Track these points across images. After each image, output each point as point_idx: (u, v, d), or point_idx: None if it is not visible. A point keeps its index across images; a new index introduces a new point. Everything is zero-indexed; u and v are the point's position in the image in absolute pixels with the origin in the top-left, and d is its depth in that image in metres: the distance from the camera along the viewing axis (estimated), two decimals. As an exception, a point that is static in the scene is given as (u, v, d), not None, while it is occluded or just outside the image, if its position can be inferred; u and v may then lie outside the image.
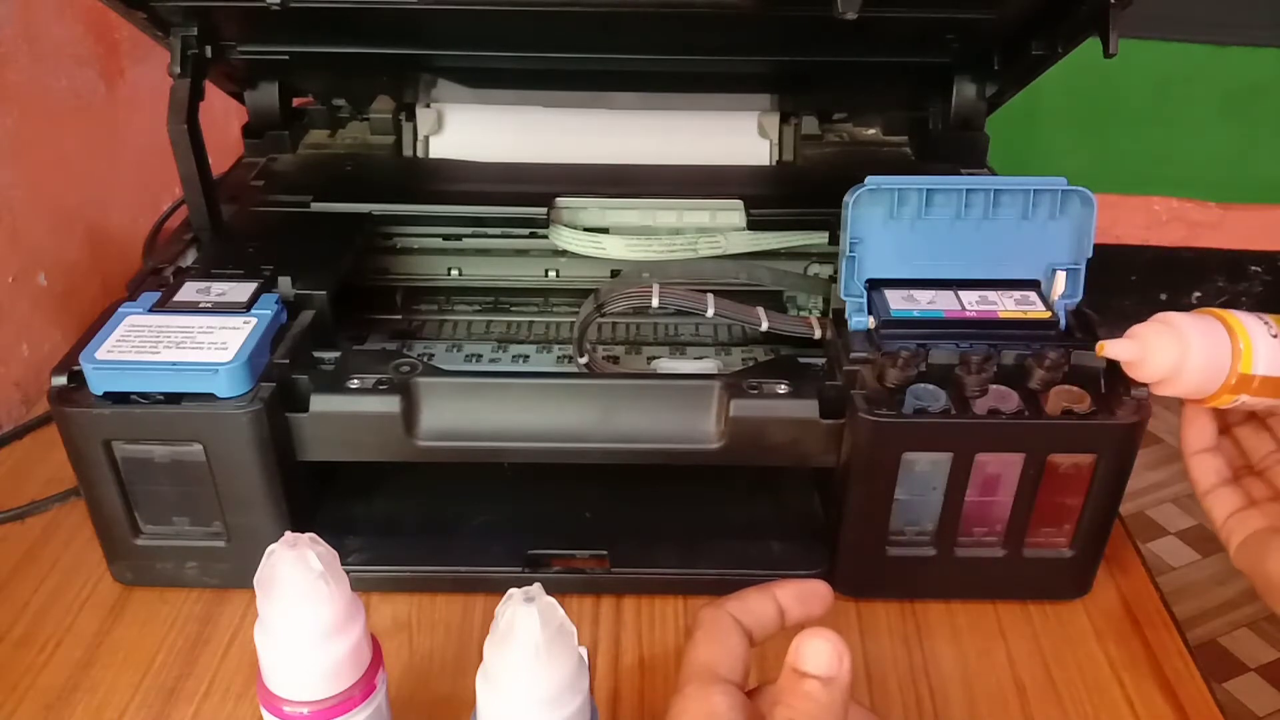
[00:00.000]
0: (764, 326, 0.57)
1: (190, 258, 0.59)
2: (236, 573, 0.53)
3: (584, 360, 0.57)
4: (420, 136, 0.71)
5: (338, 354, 0.52)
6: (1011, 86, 0.68)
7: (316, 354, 0.52)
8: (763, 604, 0.40)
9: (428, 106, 0.71)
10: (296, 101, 0.73)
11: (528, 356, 0.61)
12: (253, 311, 0.51)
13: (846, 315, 0.53)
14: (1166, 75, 1.65)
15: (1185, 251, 1.80)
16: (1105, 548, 0.53)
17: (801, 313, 0.63)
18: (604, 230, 0.63)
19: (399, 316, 0.65)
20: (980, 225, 0.53)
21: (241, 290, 0.53)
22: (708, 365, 0.60)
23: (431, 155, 0.71)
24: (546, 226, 0.62)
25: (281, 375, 0.50)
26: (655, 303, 0.56)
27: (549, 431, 0.51)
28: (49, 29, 0.75)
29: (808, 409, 0.49)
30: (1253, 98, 1.67)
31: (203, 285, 0.54)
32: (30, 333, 0.73)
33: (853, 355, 0.51)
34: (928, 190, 0.52)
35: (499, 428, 0.51)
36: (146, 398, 0.48)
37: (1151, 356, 0.46)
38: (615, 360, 0.62)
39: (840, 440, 0.50)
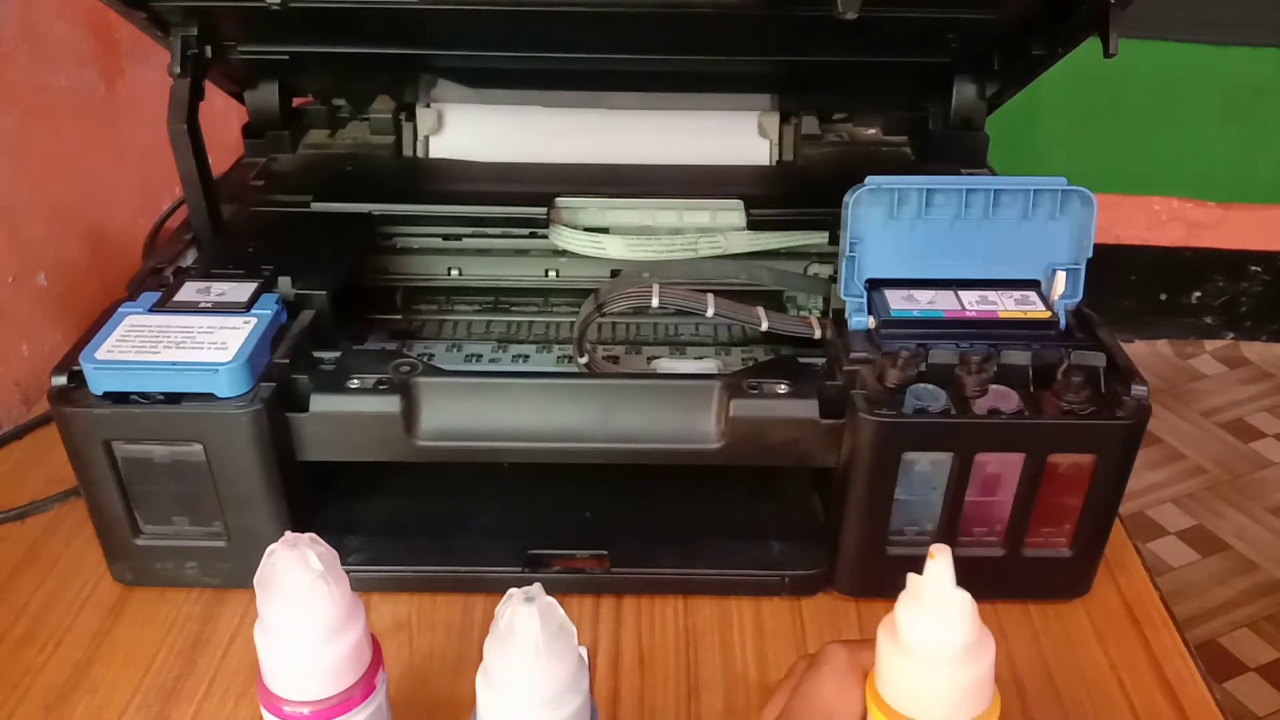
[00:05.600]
0: (764, 326, 0.57)
1: (190, 258, 0.59)
2: (236, 573, 0.53)
3: (584, 360, 0.57)
4: (420, 136, 0.71)
5: (338, 354, 0.52)
6: (1011, 86, 0.68)
7: (316, 354, 0.52)
8: None
9: (428, 106, 0.71)
10: (296, 101, 0.73)
11: (528, 356, 0.61)
12: (253, 311, 0.51)
13: (846, 315, 0.53)
14: (1166, 75, 1.65)
15: (1185, 251, 1.80)
16: (1105, 548, 0.53)
17: (801, 313, 0.63)
18: (604, 230, 0.63)
19: (399, 316, 0.65)
20: (980, 225, 0.53)
21: (241, 290, 0.53)
22: (708, 365, 0.60)
23: (431, 155, 0.71)
24: (546, 226, 0.62)
25: (281, 375, 0.50)
26: (655, 303, 0.56)
27: (549, 431, 0.51)
28: (49, 29, 0.75)
29: (808, 409, 0.49)
30: (1253, 98, 1.66)
31: (203, 285, 0.54)
32: (30, 333, 0.73)
33: (853, 355, 0.51)
34: (928, 190, 0.52)
35: (499, 428, 0.51)
36: (146, 398, 0.48)
37: None
38: (615, 360, 0.61)
39: (840, 440, 0.50)
